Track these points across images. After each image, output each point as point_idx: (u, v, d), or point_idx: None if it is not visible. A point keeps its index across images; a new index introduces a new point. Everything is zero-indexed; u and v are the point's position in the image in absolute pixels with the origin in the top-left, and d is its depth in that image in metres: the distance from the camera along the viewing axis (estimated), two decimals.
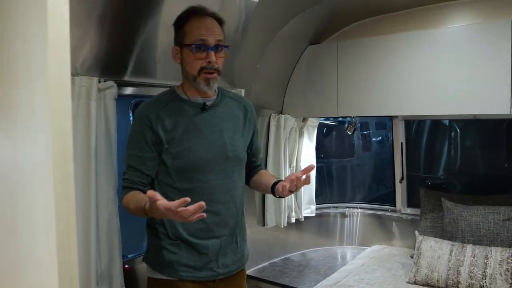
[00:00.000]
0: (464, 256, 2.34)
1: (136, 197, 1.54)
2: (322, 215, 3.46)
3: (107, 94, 1.85)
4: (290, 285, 2.68)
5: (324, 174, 4.16)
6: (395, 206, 3.23)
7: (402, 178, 3.13)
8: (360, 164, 4.61)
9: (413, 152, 3.31)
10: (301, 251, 3.32)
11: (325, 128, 4.31)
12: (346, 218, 3.48)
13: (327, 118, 4.05)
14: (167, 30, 1.66)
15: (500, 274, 2.20)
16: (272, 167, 2.95)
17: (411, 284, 2.45)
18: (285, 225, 3.04)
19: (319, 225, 3.45)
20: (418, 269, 2.44)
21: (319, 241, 3.43)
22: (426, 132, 3.37)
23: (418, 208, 3.01)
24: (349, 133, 3.39)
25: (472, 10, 2.48)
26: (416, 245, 2.55)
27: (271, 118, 2.94)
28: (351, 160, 4.53)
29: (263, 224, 2.99)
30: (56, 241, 0.64)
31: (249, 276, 2.82)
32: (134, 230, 1.75)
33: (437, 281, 2.35)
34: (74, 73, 1.75)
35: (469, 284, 2.25)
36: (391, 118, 3.11)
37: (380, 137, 4.74)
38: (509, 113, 2.24)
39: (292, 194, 3.06)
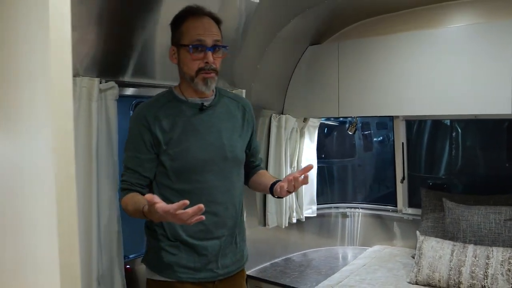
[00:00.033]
0: (466, 256, 2.33)
1: (134, 199, 1.53)
2: (323, 215, 3.46)
3: (108, 95, 1.85)
4: (292, 285, 2.68)
5: (325, 174, 4.16)
6: (396, 206, 3.23)
7: (403, 178, 3.13)
8: (361, 164, 4.60)
9: (414, 152, 3.31)
10: (302, 251, 3.32)
11: (326, 128, 4.30)
12: (347, 218, 3.48)
13: (328, 118, 4.04)
14: (166, 31, 1.65)
15: (502, 274, 2.20)
16: (273, 167, 2.95)
17: (412, 284, 2.45)
18: (286, 225, 3.04)
19: (320, 225, 3.45)
20: (419, 269, 2.44)
21: (320, 241, 3.43)
22: (427, 132, 3.36)
23: (419, 208, 3.01)
24: (350, 133, 3.39)
25: (473, 10, 2.48)
26: (418, 245, 2.55)
27: (272, 118, 2.94)
28: (352, 160, 4.52)
29: (264, 224, 2.99)
30: (58, 242, 0.65)
31: (250, 277, 2.82)
32: (136, 230, 1.75)
33: (439, 281, 2.35)
34: (75, 74, 1.75)
35: (470, 285, 2.25)
36: (392, 118, 3.11)
37: (381, 137, 4.73)
38: (510, 113, 2.24)
39: (293, 194, 3.10)
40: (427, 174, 3.41)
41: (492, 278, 2.20)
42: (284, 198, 2.93)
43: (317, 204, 3.36)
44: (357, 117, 3.24)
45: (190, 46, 1.54)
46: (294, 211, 3.12)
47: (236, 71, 2.55)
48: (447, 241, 2.49)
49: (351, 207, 3.51)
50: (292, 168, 3.11)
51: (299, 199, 3.20)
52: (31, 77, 0.69)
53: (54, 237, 0.65)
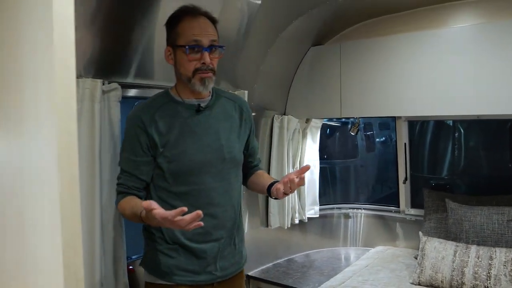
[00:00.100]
0: (468, 257, 2.33)
1: (131, 203, 1.51)
2: (326, 216, 3.46)
3: (111, 96, 1.85)
4: (294, 286, 2.68)
5: (327, 175, 4.16)
6: (398, 207, 3.22)
7: (406, 179, 3.13)
8: (363, 165, 4.60)
9: (416, 152, 3.30)
10: (305, 252, 3.32)
11: (328, 129, 4.30)
12: (350, 219, 3.48)
13: (330, 119, 4.05)
14: None
15: (505, 275, 2.19)
16: (275, 168, 2.95)
17: (415, 285, 2.44)
18: (289, 226, 3.04)
19: (322, 226, 3.45)
20: (422, 270, 2.44)
21: (322, 242, 3.42)
22: (430, 133, 3.36)
23: (422, 208, 3.00)
24: (353, 134, 3.39)
25: (476, 10, 2.47)
26: (420, 246, 2.55)
27: (274, 119, 2.94)
28: (354, 161, 4.52)
29: (267, 225, 2.99)
30: (61, 243, 0.65)
31: (252, 277, 2.82)
32: (138, 231, 1.75)
33: (441, 282, 2.35)
34: (78, 75, 1.75)
35: (473, 285, 2.24)
36: (394, 118, 3.11)
37: (383, 138, 4.72)
38: None
39: (296, 195, 3.10)
40: (429, 175, 3.40)
41: (495, 279, 2.20)
42: (286, 199, 2.93)
43: (320, 205, 3.35)
44: (359, 117, 3.24)
45: (187, 47, 1.52)
46: (297, 211, 3.12)
47: (238, 72, 2.55)
48: (450, 242, 2.49)
49: (353, 208, 3.50)
50: (294, 169, 3.11)
51: (302, 200, 3.20)
52: (34, 78, 0.69)
53: (58, 238, 0.65)
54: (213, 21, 1.60)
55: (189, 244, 1.59)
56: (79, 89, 1.73)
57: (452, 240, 2.53)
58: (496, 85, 2.28)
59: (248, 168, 1.84)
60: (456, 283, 2.30)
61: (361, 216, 3.45)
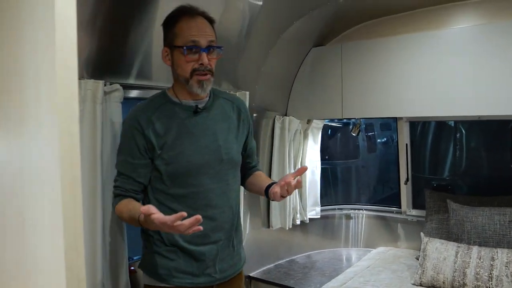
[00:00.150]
0: (470, 258, 2.32)
1: (129, 206, 1.50)
2: (327, 217, 3.45)
3: (112, 97, 1.85)
4: (295, 287, 2.68)
5: (329, 175, 4.15)
6: (400, 207, 3.22)
7: (407, 180, 3.13)
8: (365, 166, 4.59)
9: (418, 153, 3.30)
10: (306, 253, 3.32)
11: (329, 130, 4.30)
12: (351, 220, 3.47)
13: (332, 120, 4.04)
14: None
15: (507, 275, 2.19)
16: (276, 169, 2.95)
17: (416, 286, 2.44)
18: (290, 226, 3.04)
19: (324, 227, 3.45)
20: (423, 271, 2.43)
21: (324, 243, 3.42)
22: (431, 133, 3.36)
23: (423, 209, 3.00)
24: (354, 134, 3.39)
25: (476, 11, 2.47)
26: (422, 247, 2.55)
27: (275, 120, 2.94)
28: (355, 162, 4.51)
29: (268, 226, 2.99)
30: (63, 244, 0.65)
31: (254, 278, 2.83)
32: (139, 232, 1.75)
33: (443, 283, 2.34)
34: (80, 76, 1.75)
35: (475, 286, 2.24)
36: (395, 119, 3.10)
37: (385, 139, 4.72)
38: None
39: (297, 196, 3.10)
40: (431, 175, 3.40)
41: (497, 280, 2.19)
42: (287, 199, 2.93)
43: (321, 206, 3.35)
44: (360, 118, 3.24)
45: (184, 48, 1.50)
46: (298, 212, 3.12)
47: (239, 73, 2.55)
48: (452, 243, 2.48)
49: (355, 209, 3.50)
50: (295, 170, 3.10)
51: (303, 201, 3.20)
52: (36, 79, 0.69)
53: (59, 239, 0.65)
54: (211, 21, 1.58)
55: (187, 247, 1.59)
56: (81, 90, 1.73)
57: (454, 241, 2.53)
58: (496, 86, 2.28)
59: (246, 169, 1.83)
60: (457, 284, 2.29)
61: (362, 217, 3.45)
